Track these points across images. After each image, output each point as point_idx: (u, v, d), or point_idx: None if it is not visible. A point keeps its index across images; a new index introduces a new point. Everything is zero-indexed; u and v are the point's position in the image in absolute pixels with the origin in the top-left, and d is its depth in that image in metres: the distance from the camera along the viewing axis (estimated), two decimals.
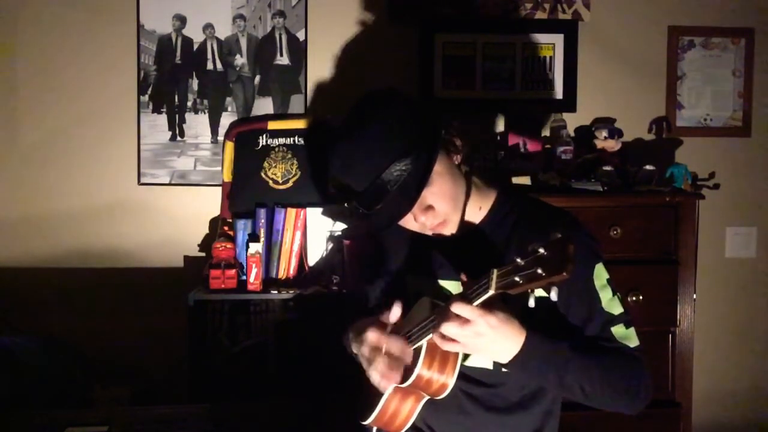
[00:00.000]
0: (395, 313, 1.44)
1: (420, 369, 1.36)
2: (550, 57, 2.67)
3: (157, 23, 2.60)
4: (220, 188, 2.57)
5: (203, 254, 2.61)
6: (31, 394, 2.18)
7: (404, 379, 1.39)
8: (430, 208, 1.46)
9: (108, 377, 2.45)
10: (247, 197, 2.52)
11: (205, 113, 2.64)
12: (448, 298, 1.38)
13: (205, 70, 2.63)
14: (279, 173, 2.53)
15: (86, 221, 2.61)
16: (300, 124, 2.55)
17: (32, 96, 2.60)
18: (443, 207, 1.47)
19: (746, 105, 2.75)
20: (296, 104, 2.64)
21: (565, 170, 2.41)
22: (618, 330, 1.42)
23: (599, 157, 2.45)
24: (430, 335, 1.33)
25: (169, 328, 2.50)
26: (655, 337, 2.28)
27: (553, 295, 1.14)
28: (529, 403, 1.51)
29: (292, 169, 2.54)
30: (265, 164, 2.53)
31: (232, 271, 2.35)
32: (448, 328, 1.25)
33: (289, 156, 2.54)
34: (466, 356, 1.46)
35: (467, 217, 1.51)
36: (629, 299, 2.21)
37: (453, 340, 1.27)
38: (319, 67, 2.64)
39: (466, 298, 1.26)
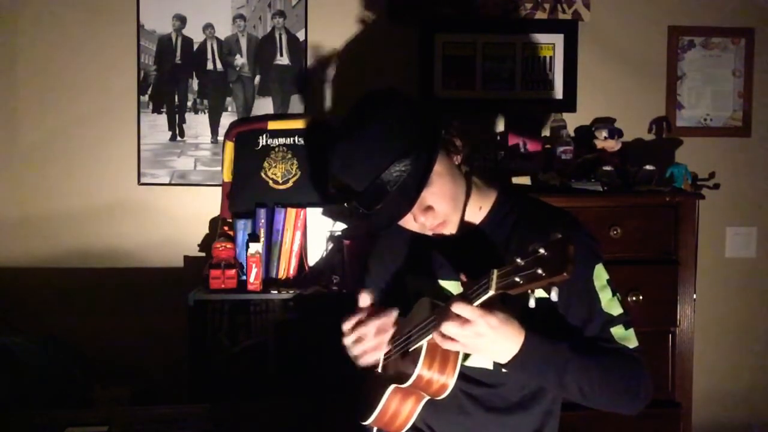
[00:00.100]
0: (363, 299, 1.46)
1: (420, 369, 1.36)
2: (550, 57, 2.67)
3: (157, 23, 2.60)
4: (220, 188, 2.57)
5: (203, 254, 2.61)
6: (31, 394, 2.18)
7: (404, 379, 1.39)
8: (429, 208, 1.46)
9: (108, 377, 2.45)
10: (247, 197, 2.52)
11: (205, 113, 2.64)
12: (448, 298, 1.38)
13: (205, 70, 2.63)
14: (279, 173, 2.53)
15: (86, 221, 2.61)
16: (300, 124, 2.55)
17: (32, 96, 2.60)
18: (443, 207, 1.47)
19: (746, 105, 2.75)
20: (296, 104, 2.64)
21: (565, 170, 2.41)
22: (617, 331, 1.42)
23: (599, 157, 2.45)
24: (430, 335, 1.33)
25: (169, 328, 2.50)
26: (655, 337, 2.28)
27: (554, 296, 1.14)
28: (529, 404, 1.51)
29: (292, 169, 2.54)
30: (265, 164, 2.53)
31: (232, 271, 2.35)
32: (448, 327, 1.25)
33: (289, 156, 2.54)
34: (466, 356, 1.46)
35: (467, 217, 1.51)
36: (629, 299, 2.21)
37: (453, 340, 1.27)
38: (319, 67, 2.64)
39: (466, 298, 1.26)
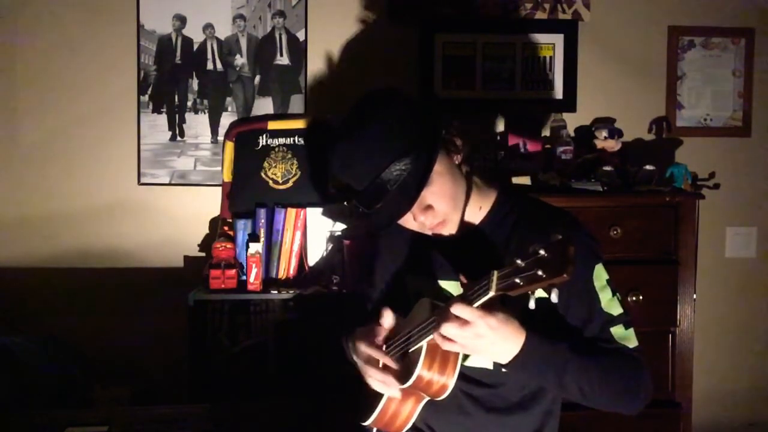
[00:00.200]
0: (387, 319, 1.45)
1: (420, 370, 1.36)
2: (550, 57, 2.67)
3: (157, 23, 2.60)
4: (220, 188, 2.57)
5: (203, 254, 2.61)
6: (31, 394, 2.18)
7: (404, 380, 1.39)
8: (429, 207, 1.46)
9: (108, 377, 2.45)
10: (247, 197, 2.52)
11: (205, 113, 2.64)
12: (448, 298, 1.38)
13: (205, 70, 2.63)
14: (279, 173, 2.53)
15: (86, 221, 2.61)
16: (300, 124, 2.55)
17: (32, 96, 2.60)
18: (443, 207, 1.47)
19: (746, 105, 2.75)
20: (296, 104, 2.64)
21: (565, 170, 2.41)
22: (617, 331, 1.42)
23: (599, 157, 2.45)
24: (430, 336, 1.33)
25: (169, 328, 2.50)
26: (655, 337, 2.28)
27: (554, 297, 1.14)
28: (529, 404, 1.51)
29: (292, 169, 2.54)
30: (265, 164, 2.53)
31: (232, 271, 2.35)
32: (447, 329, 1.25)
33: (289, 156, 2.54)
34: (466, 357, 1.46)
35: (467, 217, 1.51)
36: (629, 299, 2.21)
37: (453, 341, 1.27)
38: (319, 67, 2.64)
39: (466, 299, 1.26)
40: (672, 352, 2.30)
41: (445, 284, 1.53)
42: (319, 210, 2.46)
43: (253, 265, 2.33)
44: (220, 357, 2.37)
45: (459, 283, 1.49)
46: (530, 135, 2.53)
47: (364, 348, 1.46)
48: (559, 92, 2.67)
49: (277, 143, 2.54)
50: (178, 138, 2.63)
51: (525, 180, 2.36)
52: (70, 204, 2.61)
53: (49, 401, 2.19)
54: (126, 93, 2.61)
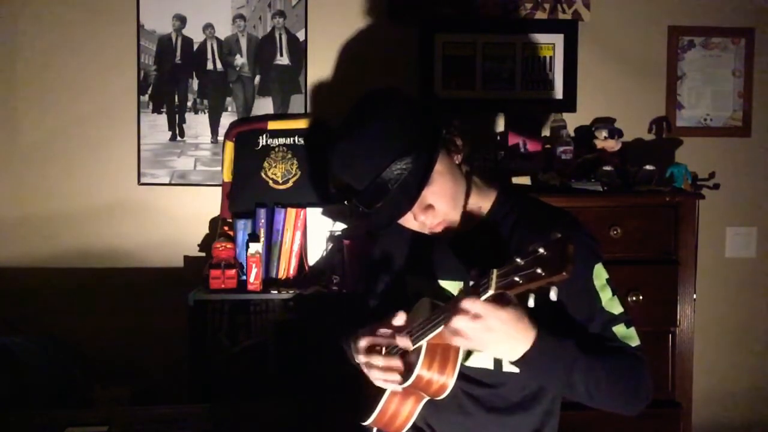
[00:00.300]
0: (399, 320, 1.44)
1: (419, 369, 1.36)
2: (550, 57, 2.67)
3: (157, 23, 2.60)
4: (220, 188, 2.57)
5: (203, 254, 2.61)
6: (31, 394, 2.18)
7: (404, 379, 1.39)
8: (430, 207, 1.46)
9: (108, 377, 2.45)
10: (247, 197, 2.52)
11: (205, 113, 2.64)
12: (448, 298, 1.38)
13: (205, 70, 2.63)
14: (279, 173, 2.53)
15: (86, 221, 2.61)
16: (300, 124, 2.55)
17: (32, 96, 2.60)
18: (443, 206, 1.47)
19: (746, 105, 2.75)
20: (296, 104, 2.64)
21: (565, 170, 2.41)
22: (619, 329, 1.41)
23: (599, 157, 2.45)
24: (431, 335, 1.33)
25: (169, 328, 2.50)
26: (655, 337, 2.28)
27: (553, 295, 1.14)
28: (530, 404, 1.51)
29: (292, 169, 2.54)
30: (265, 164, 2.53)
31: (232, 271, 2.35)
32: (458, 321, 1.23)
33: (289, 156, 2.54)
34: (466, 356, 1.46)
35: (467, 217, 1.51)
36: (629, 299, 2.21)
37: (462, 335, 1.25)
38: (319, 67, 2.64)
39: (477, 293, 1.24)
40: (672, 352, 2.30)
41: (444, 284, 1.53)
42: (319, 210, 2.46)
43: (253, 265, 2.33)
44: (220, 357, 2.37)
45: (459, 282, 1.50)
46: (530, 135, 2.53)
47: (362, 341, 1.46)
48: (559, 92, 2.67)
49: (277, 143, 2.54)
50: (178, 138, 2.63)
51: (525, 180, 2.36)
52: (70, 204, 2.61)
53: (49, 401, 2.19)
54: (126, 93, 2.61)
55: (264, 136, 2.54)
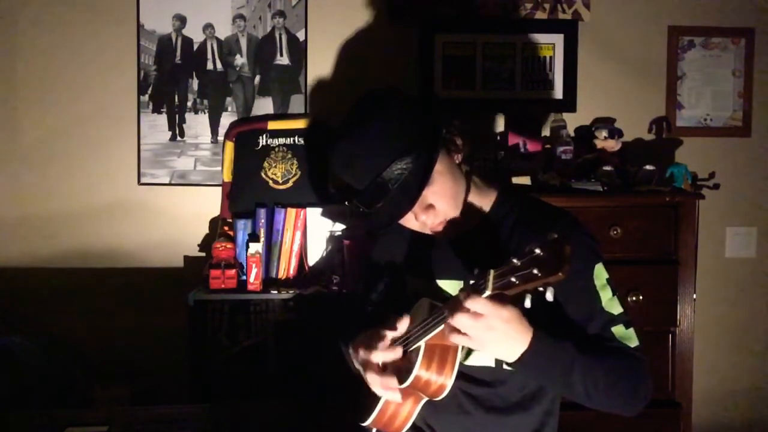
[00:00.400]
0: (402, 325, 1.43)
1: (418, 370, 1.36)
2: (550, 57, 2.67)
3: (157, 23, 2.60)
4: (220, 188, 2.57)
5: (203, 254, 2.61)
6: (31, 394, 2.18)
7: (402, 380, 1.39)
8: (430, 207, 1.46)
9: (108, 377, 2.45)
10: (247, 197, 2.52)
11: (205, 113, 2.64)
12: (447, 298, 1.37)
13: (205, 70, 2.63)
14: (279, 173, 2.54)
15: (86, 221, 2.61)
16: (300, 124, 2.55)
17: (32, 96, 2.60)
18: (444, 206, 1.47)
19: (746, 105, 2.75)
20: (296, 104, 2.64)
21: (565, 170, 2.41)
22: (618, 330, 1.41)
23: (599, 157, 2.44)
24: (431, 334, 1.33)
25: (169, 328, 2.50)
26: (655, 337, 2.28)
27: (549, 296, 1.14)
28: (529, 403, 1.51)
29: (292, 169, 2.54)
30: (265, 164, 2.53)
31: (232, 271, 2.35)
32: (459, 319, 1.23)
33: (289, 156, 2.54)
34: (466, 356, 1.46)
35: (467, 217, 1.51)
36: (629, 299, 2.21)
37: (463, 333, 1.25)
38: (319, 67, 2.64)
39: (478, 291, 1.23)
40: (672, 352, 2.30)
41: (444, 284, 1.53)
42: (319, 210, 2.46)
43: (253, 265, 2.33)
44: (220, 357, 2.37)
45: (458, 282, 1.49)
46: (530, 135, 2.53)
47: (361, 352, 1.45)
48: (559, 92, 2.67)
49: (277, 143, 2.54)
50: (178, 138, 2.63)
51: (525, 180, 2.36)
52: (70, 204, 2.61)
53: (49, 401, 2.19)
54: (126, 93, 2.61)
55: (264, 136, 2.54)
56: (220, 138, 2.61)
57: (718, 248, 2.76)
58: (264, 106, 2.64)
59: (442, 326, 1.30)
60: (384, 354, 1.41)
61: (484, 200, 1.55)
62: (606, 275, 1.45)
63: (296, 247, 2.45)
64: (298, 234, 2.45)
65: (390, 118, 1.43)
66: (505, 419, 1.50)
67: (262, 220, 2.45)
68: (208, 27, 2.62)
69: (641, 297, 2.22)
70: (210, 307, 2.38)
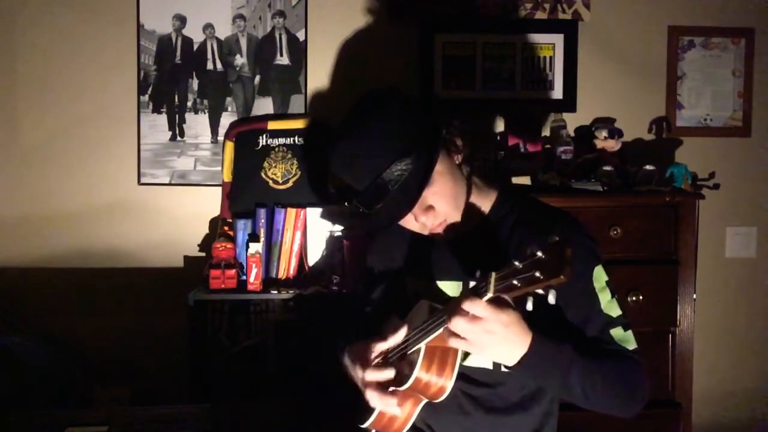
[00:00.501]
0: (401, 333, 1.43)
1: (418, 372, 1.35)
2: (550, 57, 2.67)
3: (157, 23, 2.60)
4: (220, 188, 2.57)
5: (203, 254, 2.61)
6: (31, 394, 2.18)
7: (402, 382, 1.38)
8: (430, 207, 1.46)
9: (108, 377, 2.45)
10: (247, 197, 2.52)
11: (205, 113, 2.64)
12: (447, 300, 1.37)
13: (205, 70, 2.63)
14: (279, 173, 2.53)
15: (86, 221, 2.61)
16: (300, 124, 2.55)
17: (32, 96, 2.60)
18: (444, 207, 1.47)
19: (746, 105, 2.75)
20: (296, 104, 2.64)
21: (565, 170, 2.41)
22: (617, 332, 1.41)
23: (599, 157, 2.44)
24: (430, 338, 1.33)
25: (169, 328, 2.50)
26: (655, 337, 2.28)
27: (551, 298, 1.13)
28: (529, 404, 1.51)
29: (292, 169, 2.54)
30: (265, 164, 2.53)
31: (232, 271, 2.35)
32: (458, 323, 1.23)
33: (289, 156, 2.54)
34: (465, 356, 1.46)
35: (467, 218, 1.51)
36: (629, 299, 2.21)
37: (462, 337, 1.25)
38: (319, 67, 2.64)
39: (477, 294, 1.23)
40: (672, 352, 2.30)
41: (443, 285, 1.53)
42: (319, 210, 2.46)
43: (253, 265, 2.33)
44: (219, 357, 2.37)
45: (458, 283, 1.49)
46: (530, 135, 2.53)
47: (359, 372, 1.45)
48: (559, 92, 2.67)
49: (277, 143, 2.54)
50: (178, 138, 2.63)
51: (525, 180, 2.36)
52: (70, 204, 2.61)
53: (49, 401, 2.19)
54: (126, 93, 2.61)
55: (264, 136, 2.54)
56: (220, 138, 2.61)
57: (718, 248, 2.76)
58: (264, 106, 2.64)
59: (441, 329, 1.30)
60: (377, 374, 1.41)
61: (484, 201, 1.55)
62: (605, 277, 1.44)
63: (296, 247, 2.45)
64: (298, 234, 2.45)
65: (390, 118, 1.43)
66: (505, 419, 1.50)
67: (262, 220, 2.45)
68: (208, 27, 2.62)
69: (641, 297, 2.22)
70: (210, 307, 2.38)
